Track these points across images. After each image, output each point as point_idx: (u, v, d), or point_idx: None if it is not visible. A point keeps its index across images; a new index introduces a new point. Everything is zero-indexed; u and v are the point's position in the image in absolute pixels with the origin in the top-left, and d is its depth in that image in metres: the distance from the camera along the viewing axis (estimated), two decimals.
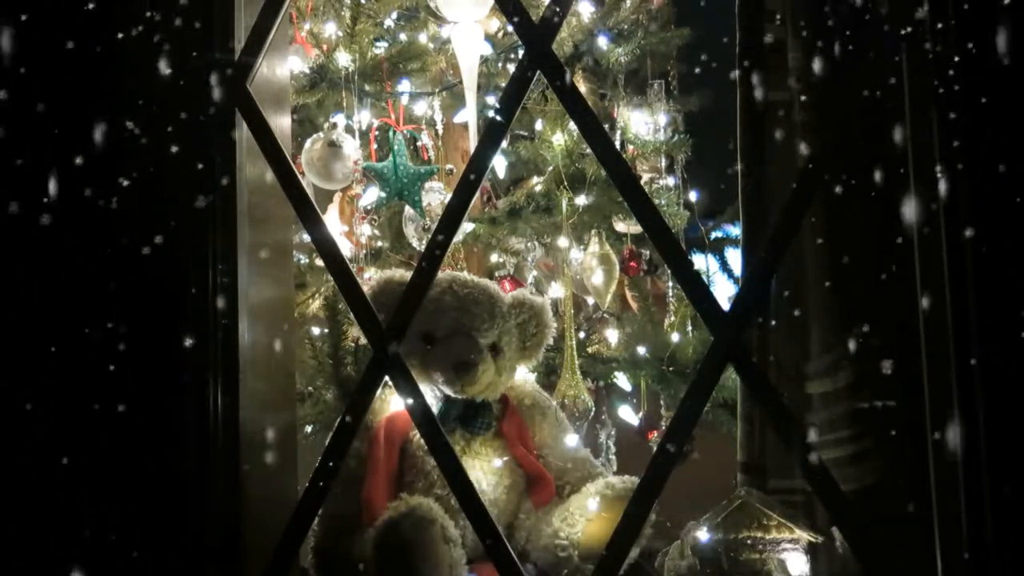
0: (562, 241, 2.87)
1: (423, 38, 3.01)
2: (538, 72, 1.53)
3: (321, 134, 2.62)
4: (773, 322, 1.86)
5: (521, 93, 1.56)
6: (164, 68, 1.60)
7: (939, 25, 1.31)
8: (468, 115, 2.68)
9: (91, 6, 1.62)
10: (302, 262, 2.92)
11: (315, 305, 2.91)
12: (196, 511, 1.54)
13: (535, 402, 2.15)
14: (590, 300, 3.26)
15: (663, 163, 3.21)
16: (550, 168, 2.87)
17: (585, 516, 1.89)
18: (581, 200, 2.81)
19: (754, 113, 1.89)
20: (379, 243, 2.97)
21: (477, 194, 1.79)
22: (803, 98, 1.78)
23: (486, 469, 2.01)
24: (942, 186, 1.30)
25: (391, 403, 2.05)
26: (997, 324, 1.27)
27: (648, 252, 3.23)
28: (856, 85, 1.41)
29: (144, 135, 1.60)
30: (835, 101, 1.45)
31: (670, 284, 3.19)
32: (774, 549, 1.76)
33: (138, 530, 1.54)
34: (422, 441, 1.88)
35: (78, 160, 1.60)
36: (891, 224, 1.39)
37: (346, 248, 2.74)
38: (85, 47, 1.62)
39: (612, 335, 3.19)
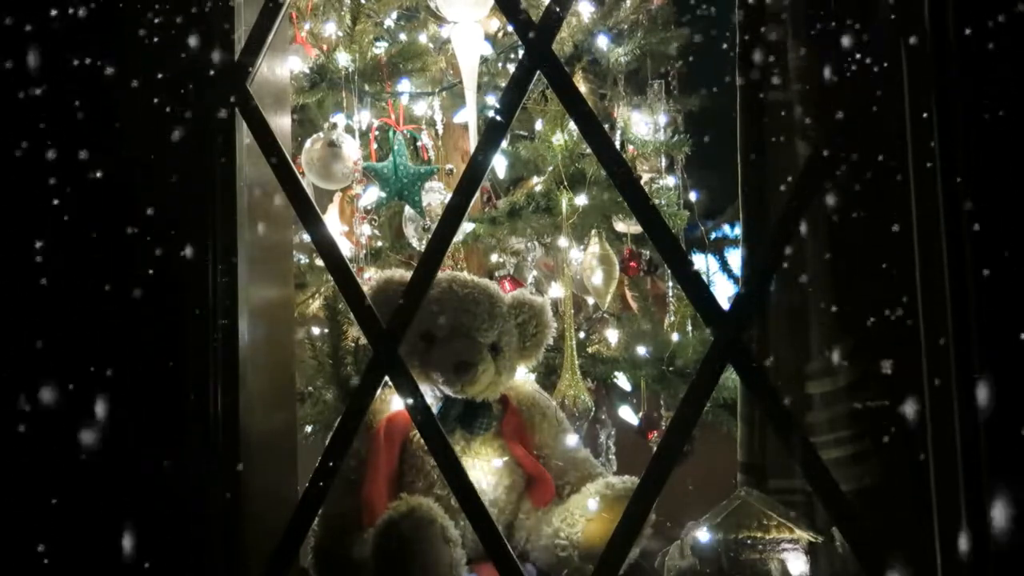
0: (562, 241, 2.87)
1: (423, 38, 3.00)
2: (538, 72, 1.53)
3: (321, 134, 2.62)
4: (773, 322, 1.86)
5: (521, 93, 1.56)
6: (164, 68, 1.60)
7: (937, 15, 1.31)
8: (468, 115, 2.68)
9: (92, 6, 1.62)
10: (302, 262, 2.92)
11: (315, 305, 2.91)
12: (196, 511, 1.54)
13: (535, 402, 2.14)
14: (590, 300, 3.25)
15: (663, 163, 3.21)
16: (550, 168, 2.87)
17: (585, 516, 1.88)
18: (581, 200, 2.81)
19: (754, 113, 1.89)
20: (379, 243, 2.97)
21: (477, 194, 1.79)
22: (803, 98, 1.78)
23: (486, 469, 2.01)
24: (942, 185, 1.30)
25: (391, 403, 2.05)
26: (998, 323, 1.27)
27: (648, 252, 3.22)
28: (856, 84, 1.41)
29: (145, 135, 1.60)
30: (835, 100, 1.45)
31: (670, 284, 3.19)
32: (774, 549, 1.75)
33: (138, 530, 1.54)
34: (422, 441, 1.88)
35: (73, 161, 1.60)
36: (891, 223, 1.39)
37: (346, 248, 2.74)
38: (87, 51, 1.63)
39: (612, 335, 3.19)
